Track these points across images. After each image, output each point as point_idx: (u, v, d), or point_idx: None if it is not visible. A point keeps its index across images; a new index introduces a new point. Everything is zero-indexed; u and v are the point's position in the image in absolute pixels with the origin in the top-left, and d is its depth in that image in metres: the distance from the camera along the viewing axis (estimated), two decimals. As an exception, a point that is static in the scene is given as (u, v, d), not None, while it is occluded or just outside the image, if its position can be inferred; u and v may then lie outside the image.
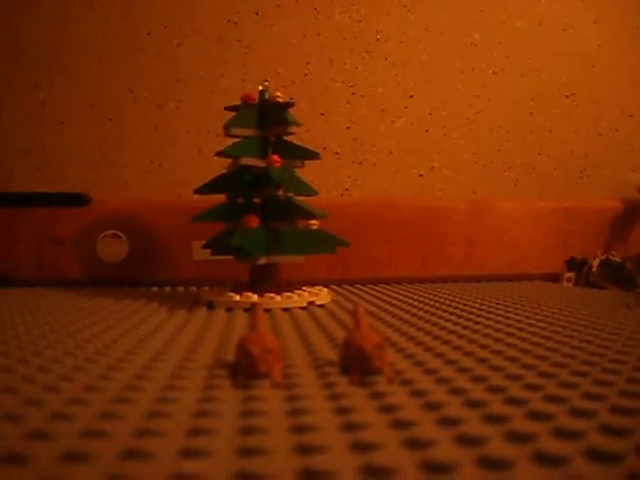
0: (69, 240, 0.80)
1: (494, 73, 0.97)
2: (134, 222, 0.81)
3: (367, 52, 0.93)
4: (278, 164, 0.61)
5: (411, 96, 0.94)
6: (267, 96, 0.65)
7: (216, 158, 0.65)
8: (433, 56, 0.95)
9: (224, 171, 0.66)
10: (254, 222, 0.59)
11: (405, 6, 0.94)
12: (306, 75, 0.91)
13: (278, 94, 0.64)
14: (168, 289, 0.79)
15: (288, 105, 0.63)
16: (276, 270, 0.63)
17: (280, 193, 0.62)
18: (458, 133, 0.96)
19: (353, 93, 0.93)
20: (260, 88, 0.65)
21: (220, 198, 0.66)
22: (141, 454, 0.20)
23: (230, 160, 0.64)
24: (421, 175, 0.95)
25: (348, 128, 0.92)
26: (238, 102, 0.64)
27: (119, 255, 0.81)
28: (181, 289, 0.78)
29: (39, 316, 0.53)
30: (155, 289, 0.79)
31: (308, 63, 0.91)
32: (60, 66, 0.87)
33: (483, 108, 0.97)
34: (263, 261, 0.60)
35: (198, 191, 0.65)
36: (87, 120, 0.87)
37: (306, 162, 0.66)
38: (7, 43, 0.86)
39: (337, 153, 0.92)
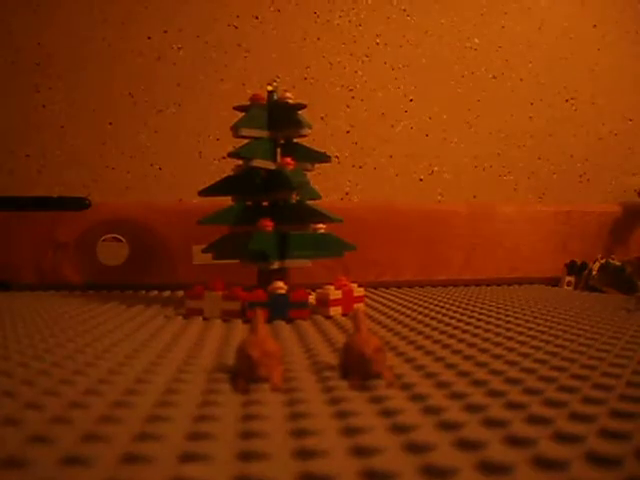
0: (69, 244, 0.80)
1: (494, 77, 0.97)
2: (134, 226, 0.81)
3: (367, 56, 0.93)
4: (291, 167, 0.61)
5: (411, 100, 0.95)
6: (276, 97, 0.64)
7: (216, 162, 0.64)
8: (433, 60, 0.95)
9: (226, 174, 0.66)
10: (269, 226, 0.59)
11: (405, 10, 0.94)
12: (306, 79, 0.91)
13: (288, 95, 0.62)
14: (168, 293, 0.78)
15: (299, 107, 0.63)
16: (286, 274, 0.62)
17: (293, 196, 0.61)
18: (458, 137, 0.96)
19: (353, 97, 0.93)
20: (269, 88, 0.64)
21: (221, 201, 0.66)
22: (141, 458, 0.20)
23: (238, 162, 0.63)
24: (421, 179, 0.95)
25: (348, 132, 0.93)
26: (246, 103, 0.63)
27: (119, 259, 0.81)
28: (181, 293, 0.78)
29: (39, 320, 0.53)
30: (155, 293, 0.79)
31: (308, 67, 0.91)
32: (60, 70, 0.87)
33: (483, 112, 0.97)
34: (276, 265, 0.59)
35: (203, 193, 0.64)
36: (87, 124, 0.87)
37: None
38: (7, 47, 0.86)
39: (337, 157, 0.92)
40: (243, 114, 0.63)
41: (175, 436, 0.23)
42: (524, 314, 0.57)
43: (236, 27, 0.90)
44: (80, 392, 0.29)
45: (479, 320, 0.53)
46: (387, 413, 0.26)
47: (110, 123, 0.87)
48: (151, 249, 0.82)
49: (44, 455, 0.20)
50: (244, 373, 0.31)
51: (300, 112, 0.63)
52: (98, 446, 0.21)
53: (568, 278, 0.86)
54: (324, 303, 0.58)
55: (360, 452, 0.21)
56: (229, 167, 0.66)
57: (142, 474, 0.19)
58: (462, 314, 0.57)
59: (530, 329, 0.48)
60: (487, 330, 0.48)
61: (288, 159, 0.61)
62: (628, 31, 1.02)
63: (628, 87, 1.02)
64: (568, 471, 0.19)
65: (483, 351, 0.39)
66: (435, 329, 0.48)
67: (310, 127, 0.62)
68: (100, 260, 0.81)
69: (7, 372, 0.33)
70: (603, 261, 0.82)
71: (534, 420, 0.25)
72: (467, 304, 0.65)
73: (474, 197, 0.96)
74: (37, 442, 0.22)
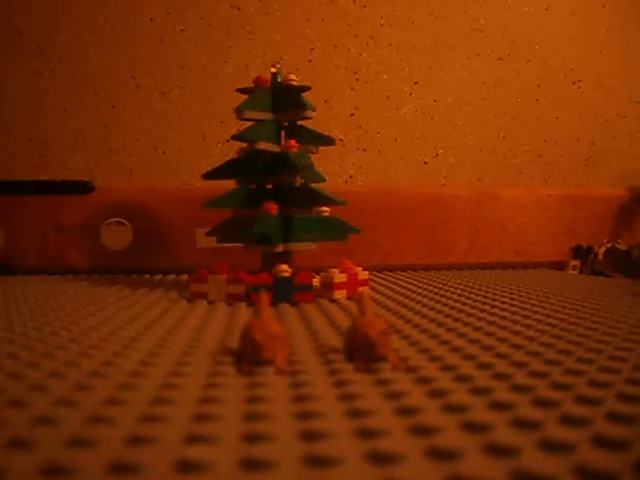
0: (73, 228, 0.80)
1: (500, 59, 0.96)
2: (138, 209, 0.81)
3: (371, 38, 0.92)
4: (295, 149, 0.60)
5: (416, 82, 0.94)
6: (280, 79, 0.63)
7: (220, 145, 0.64)
8: (438, 42, 0.94)
9: (230, 157, 0.65)
10: (274, 209, 0.58)
11: (410, -9, 0.93)
12: (310, 61, 0.91)
13: (292, 77, 0.62)
14: (172, 276, 0.79)
15: (303, 89, 0.62)
16: (291, 257, 0.62)
17: (297, 179, 0.61)
18: (463, 120, 0.95)
19: (357, 79, 0.92)
20: (272, 70, 0.63)
21: (224, 184, 0.65)
22: (146, 440, 0.20)
23: (242, 145, 0.63)
24: (426, 162, 0.94)
25: (352, 115, 0.92)
26: (249, 85, 0.63)
27: (123, 243, 0.81)
28: (185, 277, 0.78)
29: (44, 304, 0.54)
30: (159, 277, 0.79)
31: (312, 49, 0.90)
32: (62, 53, 0.86)
33: (488, 94, 0.96)
34: (280, 249, 0.59)
35: (207, 176, 0.63)
36: (90, 107, 0.87)
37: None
38: (8, 29, 0.85)
39: (341, 140, 0.91)
40: (247, 96, 0.62)
41: (180, 418, 0.23)
42: (529, 298, 0.57)
43: (239, 9, 0.89)
44: (85, 374, 0.29)
45: (484, 304, 0.53)
46: (392, 396, 0.26)
47: (113, 106, 0.87)
48: (155, 233, 0.82)
49: (49, 436, 0.20)
50: (248, 356, 0.31)
51: (304, 94, 0.62)
52: (103, 428, 0.21)
53: (573, 262, 0.86)
54: (328, 286, 0.58)
55: (365, 434, 0.21)
56: (233, 150, 0.66)
57: (147, 456, 0.19)
58: (467, 297, 0.57)
59: (535, 312, 0.48)
60: (492, 313, 0.47)
61: (292, 142, 0.60)
62: (637, 12, 1.00)
63: (636, 69, 1.01)
64: (575, 454, 0.19)
65: (488, 334, 0.39)
66: (440, 312, 0.48)
67: (314, 110, 0.62)
68: (104, 244, 0.81)
69: (12, 355, 0.33)
70: (609, 245, 0.81)
71: (540, 403, 0.24)
72: (472, 288, 0.65)
73: (479, 180, 0.96)
74: (42, 424, 0.22)
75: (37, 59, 0.86)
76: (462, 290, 0.63)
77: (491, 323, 0.43)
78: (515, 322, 0.44)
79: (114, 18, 0.87)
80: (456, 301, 0.55)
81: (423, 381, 0.28)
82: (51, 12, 0.86)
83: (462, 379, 0.28)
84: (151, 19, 0.87)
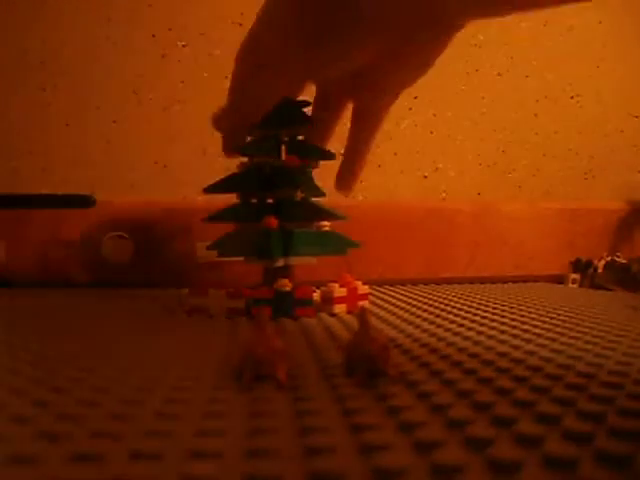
0: (74, 241, 0.81)
1: (498, 74, 0.97)
2: (139, 223, 0.81)
3: (371, 53, 0.93)
4: (296, 164, 0.61)
5: (415, 97, 0.94)
6: None
7: (221, 159, 0.64)
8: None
9: (230, 171, 0.65)
10: (274, 223, 0.59)
11: (409, 7, 0.94)
12: (310, 76, 0.91)
13: None
14: (172, 290, 0.79)
15: (304, 104, 0.62)
16: (292, 272, 0.62)
17: (298, 194, 0.61)
18: (462, 134, 0.96)
19: (357, 94, 0.93)
20: None
21: (225, 198, 0.65)
22: (149, 455, 0.20)
23: (242, 159, 0.63)
24: (425, 176, 0.95)
25: (352, 129, 0.92)
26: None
27: (124, 256, 0.81)
28: (185, 290, 0.78)
29: (45, 317, 0.54)
30: (159, 290, 0.79)
31: (312, 64, 0.91)
32: (65, 68, 0.87)
33: (487, 109, 0.97)
34: (281, 263, 0.59)
35: (207, 190, 0.64)
36: (92, 122, 0.87)
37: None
38: (12, 45, 0.86)
39: (342, 154, 0.91)
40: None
41: (183, 433, 0.23)
42: (529, 312, 0.57)
43: (240, 24, 0.90)
44: (87, 389, 0.29)
45: (484, 318, 0.53)
46: (393, 411, 0.26)
47: (114, 121, 0.88)
48: (155, 246, 0.82)
49: (53, 452, 0.20)
50: (249, 370, 0.31)
51: (305, 109, 0.63)
52: (107, 443, 0.21)
53: (573, 276, 0.86)
54: (328, 301, 0.58)
55: (366, 450, 0.21)
56: (233, 164, 0.66)
57: (151, 471, 0.19)
58: (467, 312, 0.57)
59: (535, 327, 0.48)
60: (492, 328, 0.47)
61: (293, 156, 0.61)
62: (634, 27, 1.02)
63: (634, 84, 1.02)
64: (577, 470, 0.19)
65: (488, 349, 0.39)
66: (440, 327, 0.48)
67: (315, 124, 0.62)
68: (105, 257, 0.81)
69: (14, 370, 0.33)
70: (609, 259, 0.81)
71: (541, 418, 0.25)
72: (472, 302, 0.65)
73: (478, 194, 0.96)
74: (46, 439, 0.22)
75: (41, 75, 0.86)
76: (462, 304, 0.63)
77: (491, 337, 0.43)
78: (515, 336, 0.44)
79: (116, 34, 0.88)
80: (456, 315, 0.55)
81: (424, 396, 0.28)
82: (55, 28, 0.87)
83: (463, 394, 0.28)
84: (153, 35, 0.88)
